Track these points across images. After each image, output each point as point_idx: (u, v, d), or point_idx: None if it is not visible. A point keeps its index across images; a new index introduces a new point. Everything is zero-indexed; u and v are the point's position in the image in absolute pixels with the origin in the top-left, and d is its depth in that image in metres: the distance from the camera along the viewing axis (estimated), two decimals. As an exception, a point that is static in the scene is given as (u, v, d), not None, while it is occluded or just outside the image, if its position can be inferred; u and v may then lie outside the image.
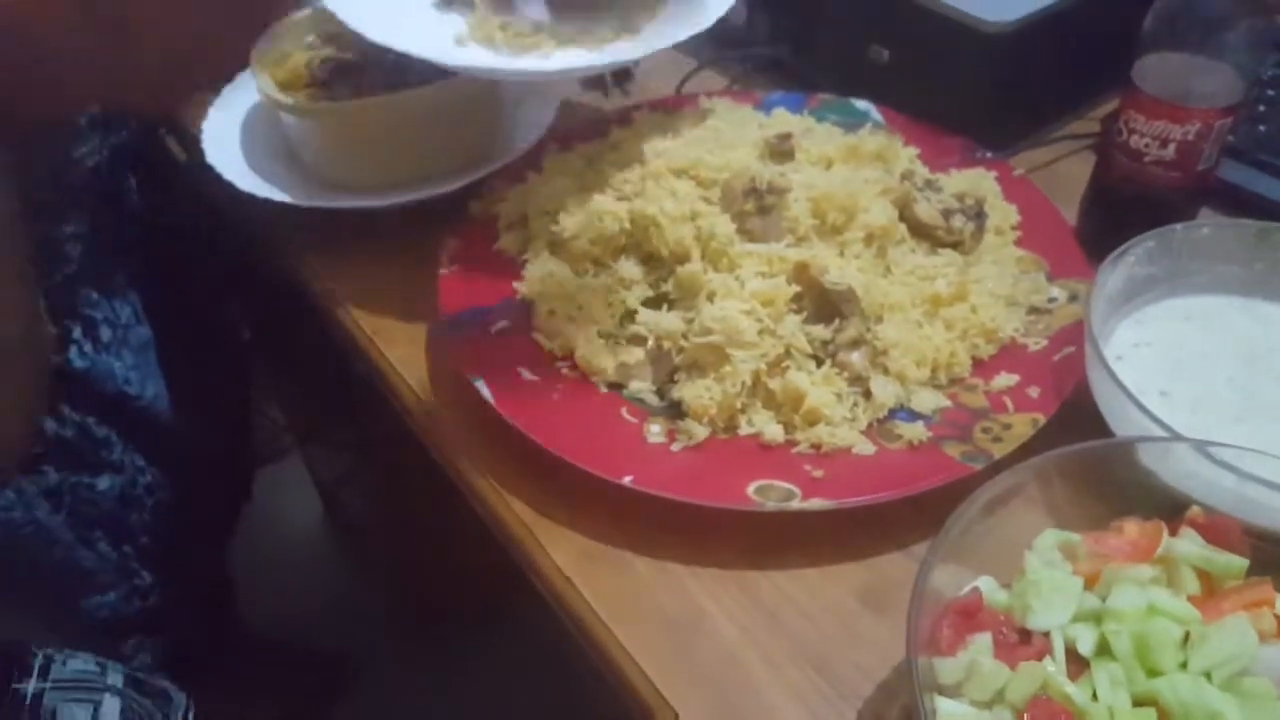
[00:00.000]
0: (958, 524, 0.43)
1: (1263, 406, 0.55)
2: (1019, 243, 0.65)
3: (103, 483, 0.90)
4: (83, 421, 0.88)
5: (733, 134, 0.66)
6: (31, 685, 0.79)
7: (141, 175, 0.92)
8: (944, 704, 0.41)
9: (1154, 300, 0.61)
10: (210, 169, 0.73)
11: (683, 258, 0.59)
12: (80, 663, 0.83)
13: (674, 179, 0.62)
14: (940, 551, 0.42)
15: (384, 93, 0.70)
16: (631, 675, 0.49)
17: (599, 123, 0.73)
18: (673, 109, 0.72)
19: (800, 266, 0.58)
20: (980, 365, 0.58)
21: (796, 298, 0.58)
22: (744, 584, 0.53)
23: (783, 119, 0.71)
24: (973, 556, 0.46)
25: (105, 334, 0.90)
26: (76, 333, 0.88)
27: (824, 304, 0.58)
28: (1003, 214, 0.66)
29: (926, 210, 0.61)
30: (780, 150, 0.60)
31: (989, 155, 0.72)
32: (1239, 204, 0.71)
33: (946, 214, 0.62)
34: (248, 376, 1.24)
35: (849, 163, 0.65)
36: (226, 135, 0.77)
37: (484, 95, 0.73)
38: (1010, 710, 0.40)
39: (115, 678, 0.85)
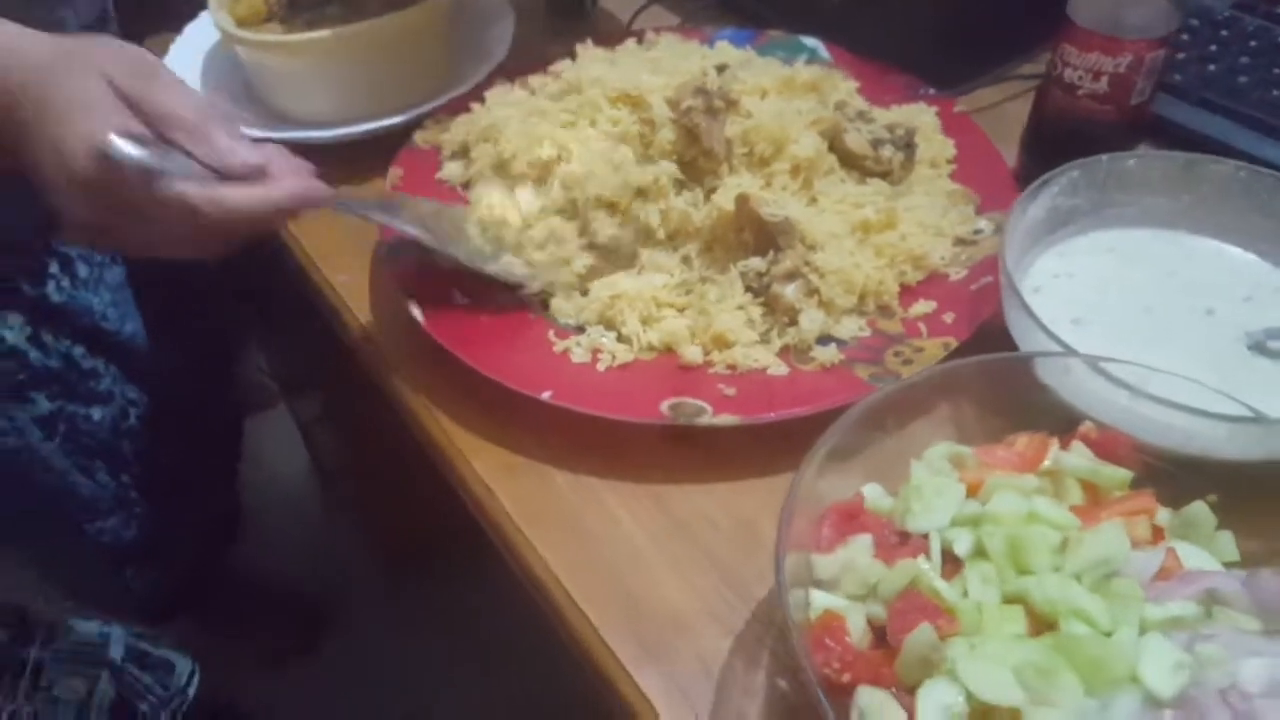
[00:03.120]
0: (841, 427, 0.44)
1: (1175, 334, 0.56)
2: (953, 176, 0.66)
3: (96, 413, 0.93)
4: (69, 352, 0.90)
5: (672, 64, 0.67)
6: (34, 652, 0.80)
7: None
8: (818, 595, 0.42)
9: (1079, 232, 0.61)
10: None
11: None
12: (83, 629, 0.84)
13: (610, 107, 0.63)
14: (821, 452, 0.44)
15: (338, 26, 0.71)
16: (544, 579, 0.51)
17: (546, 58, 0.74)
18: (617, 44, 0.72)
19: (740, 199, 0.59)
20: (902, 293, 0.59)
21: (738, 230, 0.60)
22: (658, 497, 0.54)
23: (724, 52, 0.71)
24: (866, 464, 0.47)
25: (82, 271, 0.92)
26: (54, 268, 0.89)
27: (762, 236, 0.59)
28: (939, 148, 0.67)
29: (856, 140, 0.62)
30: (710, 107, 0.60)
31: (932, 92, 0.72)
32: (1184, 143, 0.71)
33: (876, 144, 0.62)
34: (231, 320, 1.27)
35: (784, 94, 0.65)
36: (187, 72, 0.78)
37: (434, 29, 0.74)
38: (881, 603, 0.42)
39: (117, 649, 0.85)
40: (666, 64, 0.67)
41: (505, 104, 0.68)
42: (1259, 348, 0.55)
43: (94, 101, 0.48)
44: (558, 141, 0.62)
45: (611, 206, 0.61)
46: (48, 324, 0.87)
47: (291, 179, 0.51)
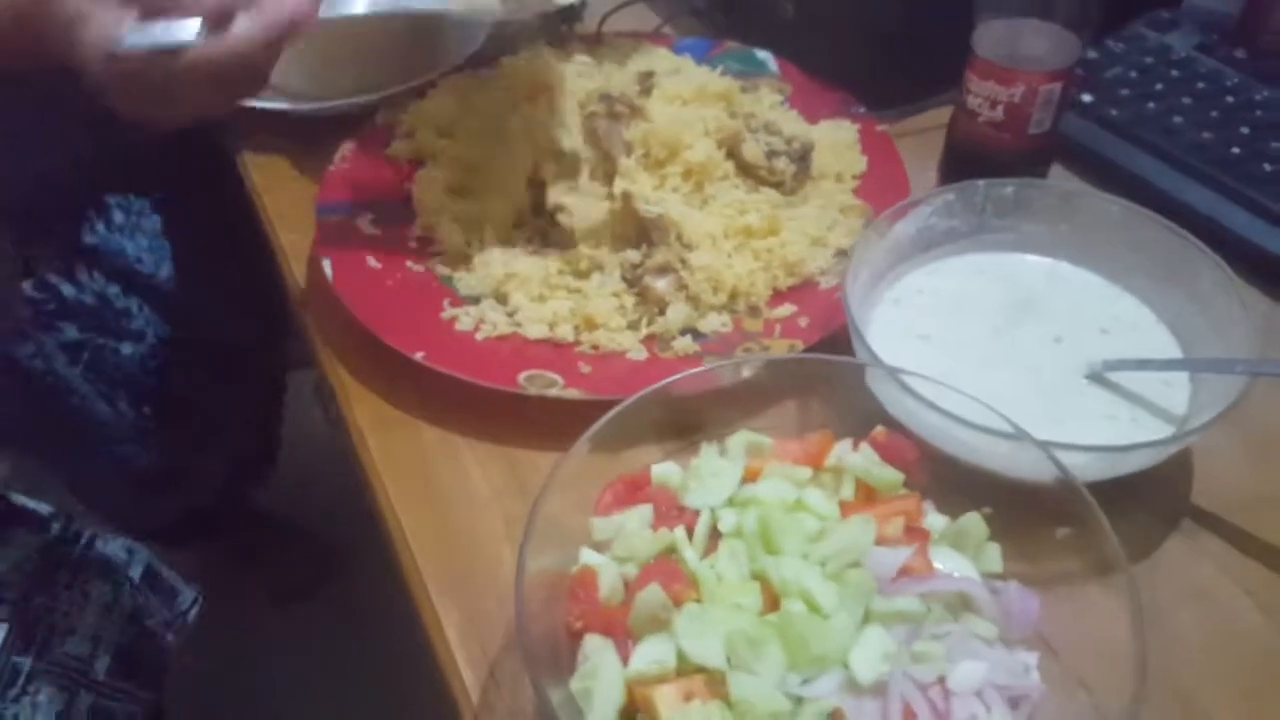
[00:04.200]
0: (627, 404, 0.49)
1: (1015, 358, 0.58)
2: (857, 192, 0.69)
3: (126, 348, 1.02)
4: (104, 291, 0.99)
5: (604, 71, 0.72)
6: (76, 551, 0.90)
7: None
8: (585, 552, 0.47)
9: (956, 252, 0.63)
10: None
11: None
12: (112, 546, 0.94)
13: (529, 106, 0.68)
14: (601, 425, 0.48)
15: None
16: (388, 517, 0.57)
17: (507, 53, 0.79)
18: (562, 44, 0.77)
19: (624, 195, 0.64)
20: (774, 296, 0.63)
21: (623, 224, 0.64)
22: (510, 459, 0.59)
23: (663, 59, 0.75)
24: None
25: (118, 217, 1.01)
26: (90, 214, 0.98)
27: (640, 230, 0.64)
28: (851, 163, 0.70)
29: (752, 150, 0.66)
30: (612, 112, 0.65)
31: (862, 110, 0.75)
32: (1107, 177, 0.72)
33: (771, 155, 0.66)
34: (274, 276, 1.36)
35: (696, 102, 0.69)
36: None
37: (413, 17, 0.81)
38: (639, 566, 0.46)
39: (137, 569, 0.96)
40: (596, 69, 0.72)
41: (453, 92, 0.74)
42: (1096, 378, 0.56)
43: (84, 13, 0.52)
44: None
45: None
46: (82, 261, 0.97)
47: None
